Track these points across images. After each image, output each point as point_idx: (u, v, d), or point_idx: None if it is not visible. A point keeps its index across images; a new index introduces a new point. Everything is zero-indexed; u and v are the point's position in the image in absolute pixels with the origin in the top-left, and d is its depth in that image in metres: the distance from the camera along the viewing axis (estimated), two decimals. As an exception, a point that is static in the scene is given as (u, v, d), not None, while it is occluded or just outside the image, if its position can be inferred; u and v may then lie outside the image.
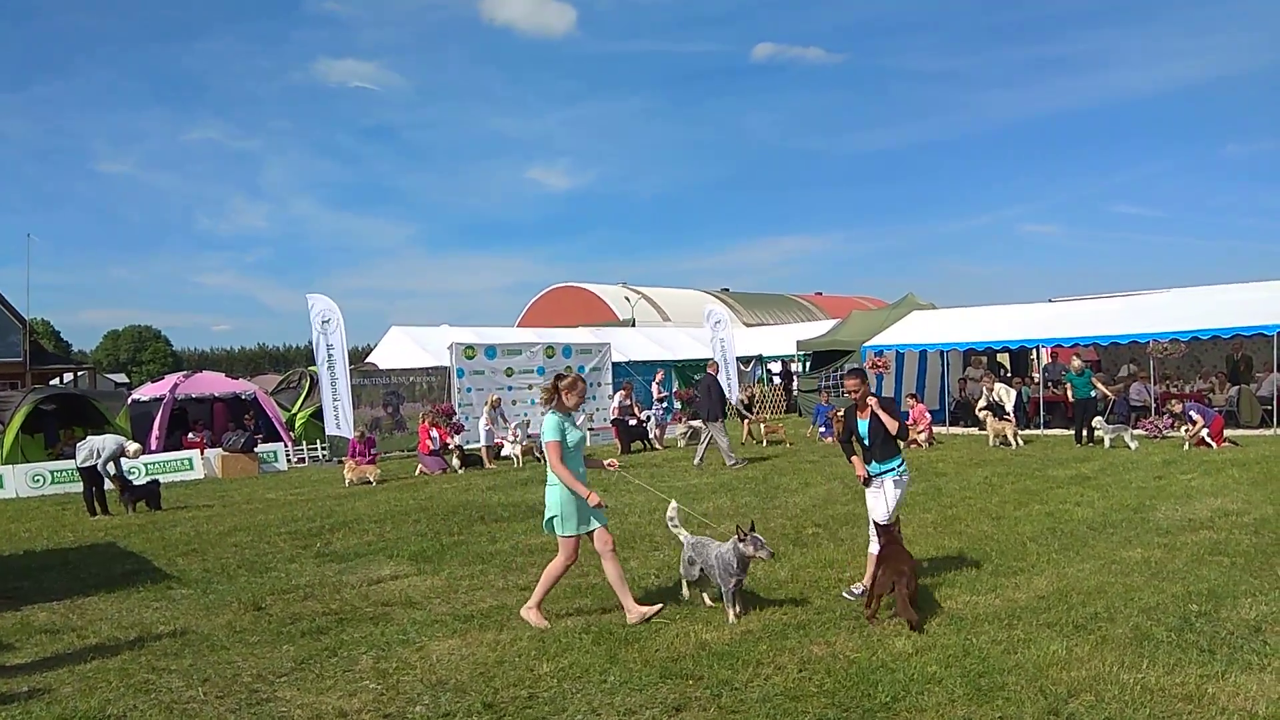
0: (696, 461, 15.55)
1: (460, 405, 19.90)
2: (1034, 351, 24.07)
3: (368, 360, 24.94)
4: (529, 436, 18.62)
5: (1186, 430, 15.34)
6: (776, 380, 30.10)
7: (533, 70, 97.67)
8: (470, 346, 21.12)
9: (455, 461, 16.82)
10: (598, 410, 21.80)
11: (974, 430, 19.11)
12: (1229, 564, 7.01)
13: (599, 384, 22.45)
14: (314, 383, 20.54)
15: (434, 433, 17.00)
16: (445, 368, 20.91)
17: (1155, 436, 16.80)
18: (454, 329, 24.67)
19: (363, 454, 15.91)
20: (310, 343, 20.30)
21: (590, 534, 6.25)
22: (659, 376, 20.78)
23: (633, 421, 19.29)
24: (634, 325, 33.53)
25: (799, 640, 5.56)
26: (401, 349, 24.06)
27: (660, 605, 6.24)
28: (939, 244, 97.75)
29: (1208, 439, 14.85)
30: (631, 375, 22.47)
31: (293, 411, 21.02)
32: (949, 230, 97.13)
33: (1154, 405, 18.48)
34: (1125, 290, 24.29)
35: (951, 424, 20.79)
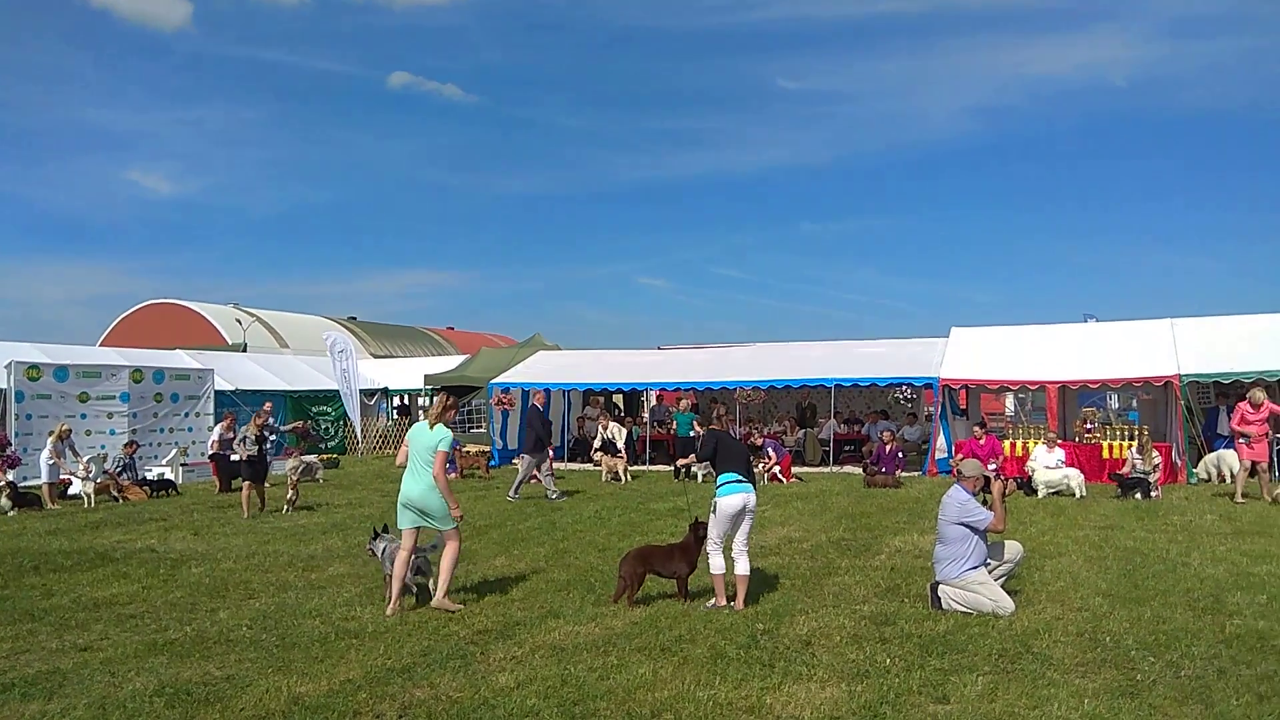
0: (550, 499, 14.67)
1: (18, 435, 16.88)
2: (644, 393, 26.06)
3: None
4: (104, 473, 16.27)
5: (764, 465, 17.44)
6: (394, 415, 29.38)
7: (137, 61, 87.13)
8: (35, 366, 18.04)
9: (3, 501, 14.15)
10: (194, 444, 19.67)
11: (589, 466, 20.13)
12: (789, 585, 8.03)
13: (196, 414, 20.31)
14: None
15: (-22, 467, 14.19)
16: (1, 390, 17.64)
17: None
18: (12, 344, 20.90)
19: None
20: None
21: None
22: (267, 408, 19.26)
23: (234, 457, 17.62)
24: (245, 350, 30.89)
25: (401, 685, 5.38)
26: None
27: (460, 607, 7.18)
28: (566, 289, 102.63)
29: (779, 474, 17.03)
30: (238, 405, 20.62)
31: None
32: (576, 276, 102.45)
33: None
34: (720, 342, 27.29)
35: (570, 460, 21.72)
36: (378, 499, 15.17)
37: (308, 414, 24.63)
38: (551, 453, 15.64)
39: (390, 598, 7.33)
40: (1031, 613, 6.83)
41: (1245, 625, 6.40)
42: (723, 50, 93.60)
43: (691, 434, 18.67)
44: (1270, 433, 16.01)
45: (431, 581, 7.58)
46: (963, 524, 6.98)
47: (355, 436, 25.01)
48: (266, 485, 14.21)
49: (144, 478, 16.95)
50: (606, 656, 5.85)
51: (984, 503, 7.15)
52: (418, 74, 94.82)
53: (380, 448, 25.58)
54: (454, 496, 7.44)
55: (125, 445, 17.37)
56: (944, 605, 6.96)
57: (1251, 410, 13.17)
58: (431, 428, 7.48)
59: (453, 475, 18.13)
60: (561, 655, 5.90)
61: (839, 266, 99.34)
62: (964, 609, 6.86)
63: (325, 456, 21.04)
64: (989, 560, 7.15)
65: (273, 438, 19.40)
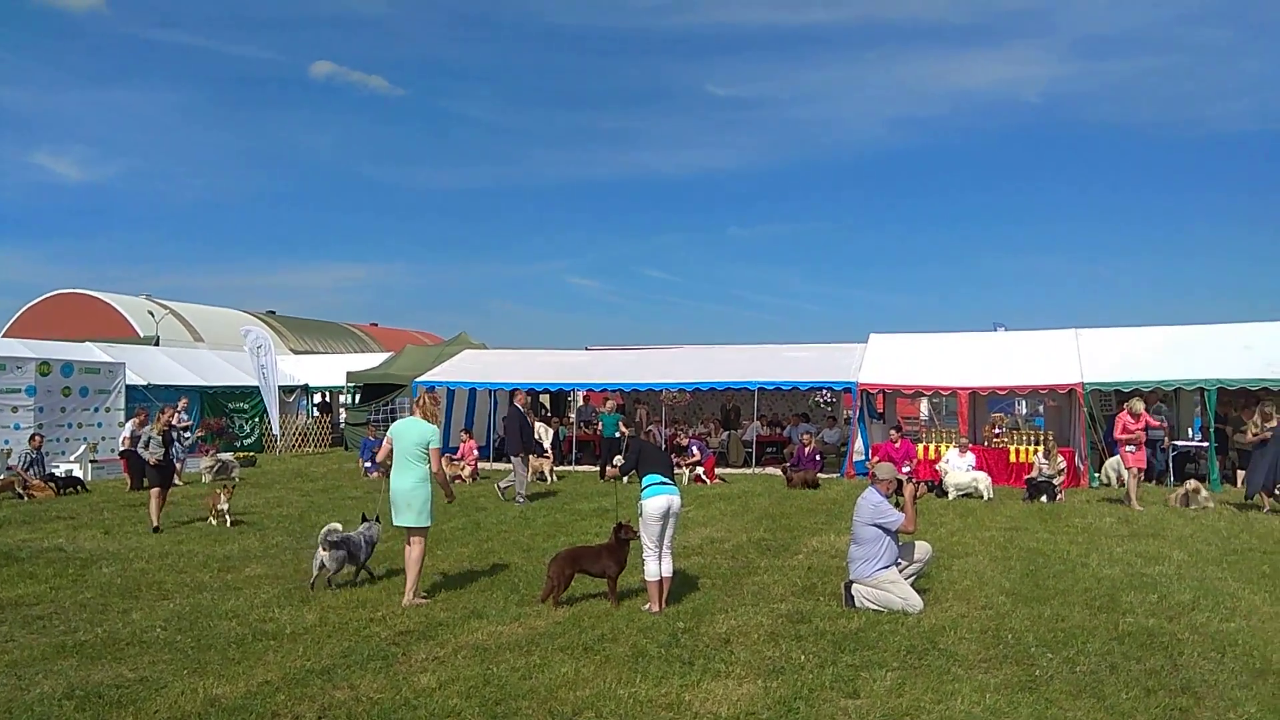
0: (501, 491, 14.91)
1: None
2: (571, 394, 26.08)
3: None
4: (9, 469, 15.63)
5: (688, 463, 17.66)
6: (315, 412, 28.79)
7: (46, 39, 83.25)
8: (-69, 357, 17.19)
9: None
10: (104, 440, 19.00)
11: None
12: (710, 585, 8.20)
13: (107, 409, 19.61)
14: None
15: None
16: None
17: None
18: (-92, 334, 19.88)
19: None
20: None
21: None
22: (182, 403, 18.73)
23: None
24: (158, 344, 29.85)
25: (321, 686, 5.36)
26: None
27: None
28: (494, 286, 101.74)
29: (703, 475, 17.28)
30: (150, 401, 19.97)
31: None
32: (504, 274, 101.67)
33: (663, 444, 21.02)
34: (648, 344, 27.50)
35: (495, 459, 21.62)
36: (296, 498, 14.90)
37: (223, 410, 23.98)
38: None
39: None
40: (939, 610, 7.14)
41: (1137, 623, 6.79)
42: (654, 52, 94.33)
43: (617, 434, 18.83)
44: (1168, 440, 16.97)
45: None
46: (876, 525, 7.26)
47: (273, 434, 24.45)
48: (177, 483, 13.81)
49: (51, 474, 16.30)
50: (529, 656, 5.92)
51: (897, 504, 7.44)
52: (342, 64, 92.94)
53: (299, 445, 25.07)
54: (449, 486, 8.08)
55: (31, 438, 16.68)
56: (857, 604, 7.21)
57: (1131, 420, 13.89)
58: (432, 420, 7.75)
59: (376, 474, 17.90)
60: (484, 655, 5.95)
61: (765, 270, 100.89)
62: (876, 607, 7.12)
63: (241, 455, 20.53)
64: (900, 560, 7.44)
65: (187, 435, 18.93)
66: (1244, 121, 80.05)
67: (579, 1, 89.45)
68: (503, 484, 15.10)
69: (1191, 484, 13.67)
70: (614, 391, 20.78)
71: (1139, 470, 13.87)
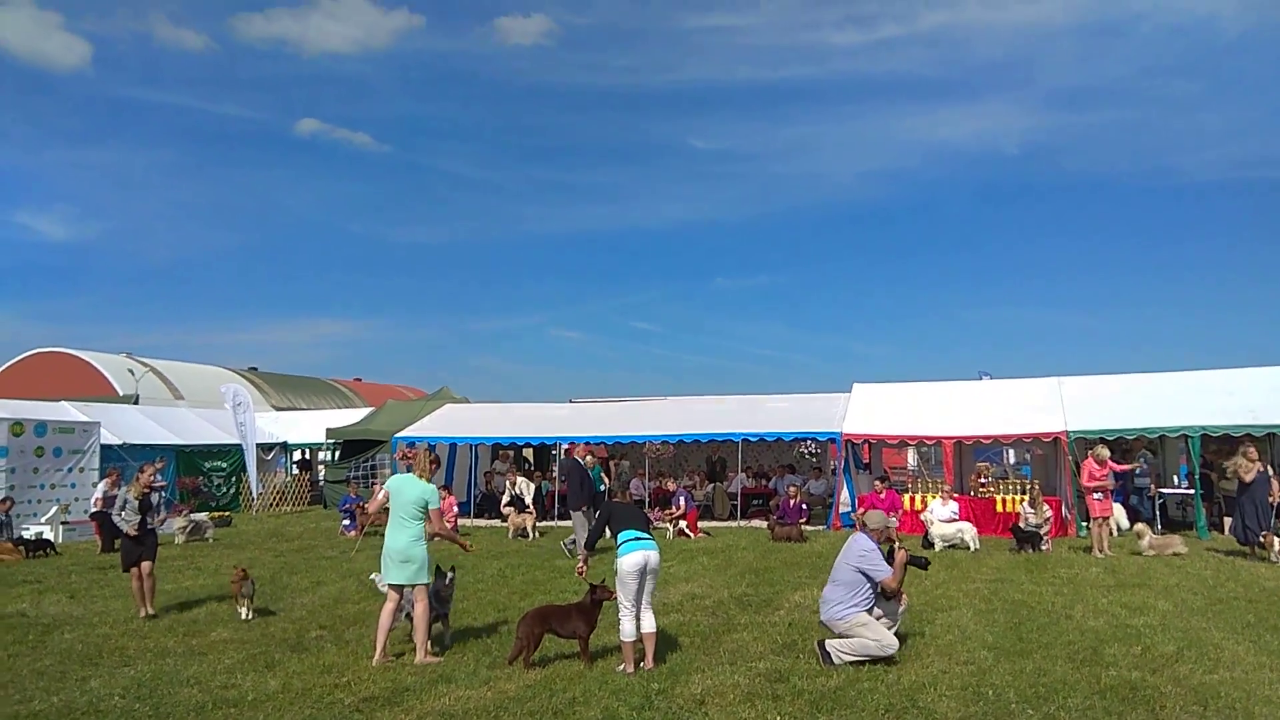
0: (568, 549, 14.65)
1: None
2: (554, 447, 25.87)
3: None
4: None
5: (673, 514, 17.43)
6: (294, 470, 28.43)
7: (29, 97, 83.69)
8: (-98, 418, 16.92)
9: None
10: (76, 501, 18.65)
11: (497, 522, 19.80)
12: (688, 643, 8.01)
13: (80, 469, 19.30)
14: None
15: None
16: None
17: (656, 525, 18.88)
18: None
19: None
20: None
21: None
22: (159, 464, 18.44)
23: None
24: (137, 402, 29.57)
25: (278, 757, 5.15)
26: None
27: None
28: (477, 341, 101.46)
29: (686, 530, 17.06)
30: (125, 460, 19.69)
31: None
32: (488, 328, 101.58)
33: (648, 499, 20.80)
34: (632, 395, 27.36)
35: (476, 515, 21.33)
36: (270, 559, 14.59)
37: (200, 469, 23.67)
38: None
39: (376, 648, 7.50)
40: (920, 667, 6.97)
41: (1119, 676, 6.65)
42: (635, 109, 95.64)
43: (602, 488, 18.62)
44: (1154, 488, 16.92)
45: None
46: (860, 570, 7.14)
47: (251, 493, 24.09)
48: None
49: (20, 537, 15.96)
50: (496, 722, 5.73)
51: (888, 554, 7.33)
52: (328, 121, 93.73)
53: (277, 505, 24.70)
54: (460, 538, 8.53)
55: (0, 502, 16.36)
56: (834, 660, 7.04)
57: (1097, 467, 13.88)
58: (427, 479, 7.72)
59: (353, 534, 17.63)
60: (450, 722, 5.75)
61: (749, 322, 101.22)
62: (853, 658, 6.96)
63: (216, 514, 20.19)
64: (875, 609, 7.29)
65: (164, 495, 18.59)
66: (1215, 171, 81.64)
67: (560, 62, 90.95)
68: (568, 541, 15.02)
69: (1138, 527, 13.69)
70: (597, 444, 20.60)
71: (1103, 519, 13.82)
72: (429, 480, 7.73)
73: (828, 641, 7.15)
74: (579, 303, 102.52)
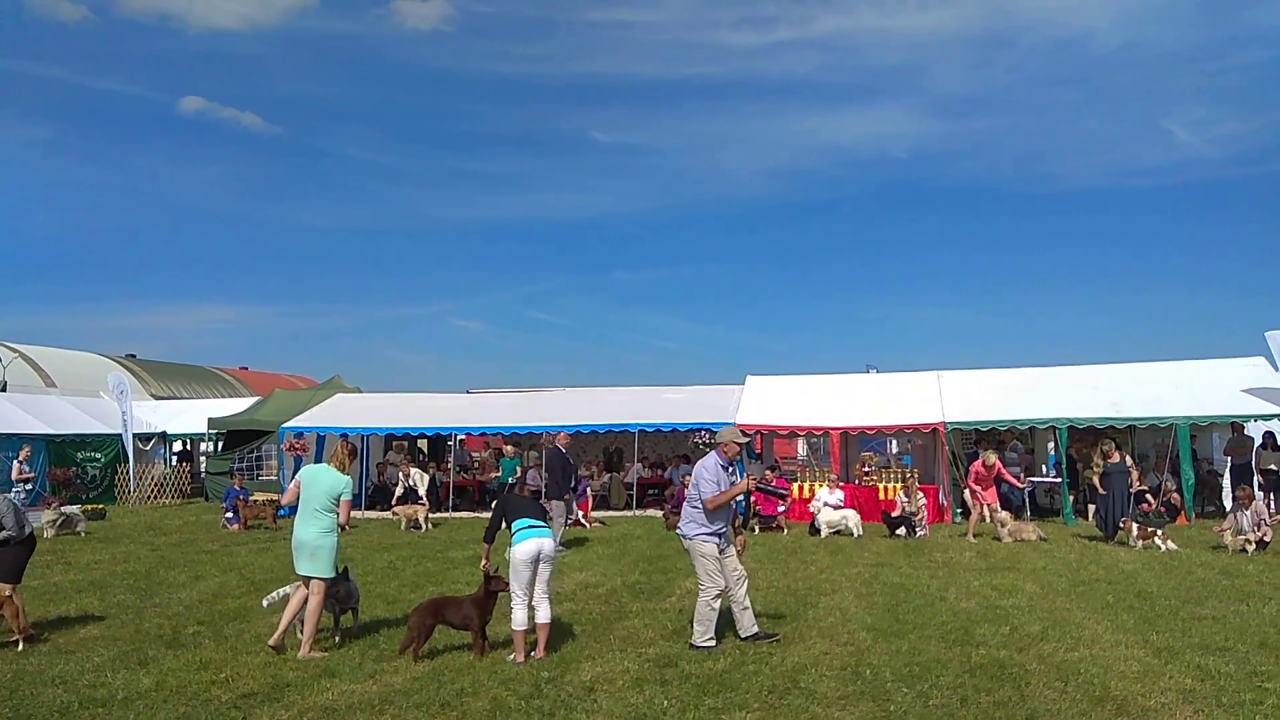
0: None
1: None
2: (450, 438, 25.53)
3: None
4: None
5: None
6: (174, 461, 27.22)
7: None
8: None
9: None
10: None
11: (388, 514, 19.42)
12: (580, 631, 8.06)
13: (-64, 460, 18.03)
14: None
15: None
16: None
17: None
18: None
19: None
20: None
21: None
22: (24, 453, 17.39)
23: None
24: (5, 389, 27.80)
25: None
26: None
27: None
28: (375, 328, 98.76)
29: (582, 520, 17.12)
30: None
31: None
32: (386, 316, 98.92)
33: (543, 490, 20.71)
34: (532, 386, 27.26)
35: (369, 508, 20.87)
36: (145, 553, 13.94)
37: (72, 460, 22.41)
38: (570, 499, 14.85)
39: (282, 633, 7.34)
40: (802, 648, 7.21)
41: (989, 655, 7.02)
42: (537, 99, 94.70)
43: (511, 479, 18.49)
44: (1024, 476, 17.87)
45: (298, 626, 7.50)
46: (696, 486, 7.41)
47: (128, 485, 22.95)
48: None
49: None
50: (382, 715, 5.66)
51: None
52: (212, 100, 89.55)
53: (155, 497, 23.59)
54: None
55: None
56: (701, 644, 7.30)
57: (984, 471, 14.78)
58: (344, 471, 7.55)
59: (235, 526, 17.04)
60: (332, 716, 5.65)
61: (648, 314, 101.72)
62: (706, 631, 7.33)
63: (89, 507, 19.16)
64: (729, 549, 7.55)
65: (28, 486, 17.57)
66: (1090, 178, 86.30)
67: (463, 48, 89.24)
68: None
69: (1002, 515, 14.53)
70: (494, 435, 20.45)
71: (990, 505, 14.67)
72: (345, 471, 7.57)
73: (690, 641, 7.40)
74: (480, 292, 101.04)
